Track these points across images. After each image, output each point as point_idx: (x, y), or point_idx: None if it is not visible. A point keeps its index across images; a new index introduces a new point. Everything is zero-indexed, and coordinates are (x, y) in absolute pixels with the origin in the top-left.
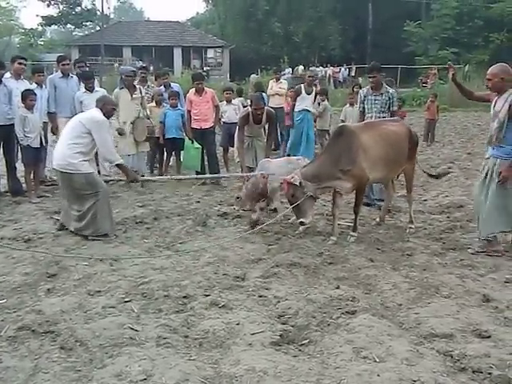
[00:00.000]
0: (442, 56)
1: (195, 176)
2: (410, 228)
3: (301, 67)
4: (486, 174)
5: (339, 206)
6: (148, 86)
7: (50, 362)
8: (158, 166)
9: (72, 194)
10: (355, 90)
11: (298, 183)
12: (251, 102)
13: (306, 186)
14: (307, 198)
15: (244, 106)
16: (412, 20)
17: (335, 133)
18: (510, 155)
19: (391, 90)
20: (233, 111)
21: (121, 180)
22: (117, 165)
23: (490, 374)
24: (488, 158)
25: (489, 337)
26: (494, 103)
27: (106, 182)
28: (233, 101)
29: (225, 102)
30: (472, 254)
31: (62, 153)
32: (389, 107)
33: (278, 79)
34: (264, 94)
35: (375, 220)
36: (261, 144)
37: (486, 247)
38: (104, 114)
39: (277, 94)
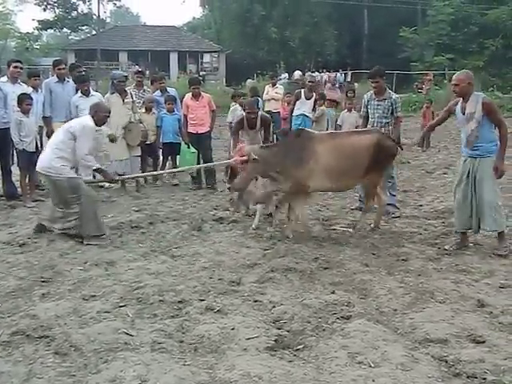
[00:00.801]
0: (438, 62)
1: (172, 170)
2: (347, 232)
3: (297, 72)
4: (468, 175)
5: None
6: (144, 91)
7: (44, 367)
8: (151, 170)
9: (56, 196)
10: (349, 95)
11: (254, 157)
12: (245, 106)
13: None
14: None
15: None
16: (407, 26)
17: (295, 134)
18: (489, 152)
19: (394, 96)
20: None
21: (100, 181)
22: (95, 169)
23: (484, 379)
24: (465, 160)
25: (483, 342)
26: (460, 108)
27: (87, 183)
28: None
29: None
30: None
31: (47, 156)
32: (392, 113)
33: (274, 84)
34: (259, 98)
35: (370, 225)
36: None
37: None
38: (96, 122)
39: (273, 98)
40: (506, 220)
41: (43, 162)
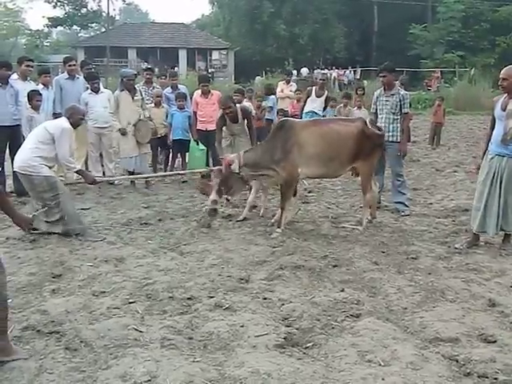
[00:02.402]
0: (448, 59)
1: (158, 174)
2: (357, 229)
3: (305, 69)
4: (494, 174)
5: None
6: (153, 88)
7: (54, 362)
8: (161, 167)
9: (35, 196)
10: (359, 92)
11: (236, 170)
12: (219, 103)
13: (242, 170)
14: (238, 180)
15: (263, 109)
16: (418, 23)
17: (277, 126)
18: None
19: (402, 92)
20: None
21: (80, 182)
22: (76, 171)
23: (495, 379)
24: (492, 158)
25: (494, 341)
26: (502, 103)
27: (68, 184)
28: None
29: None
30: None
31: (24, 156)
32: (400, 109)
33: (288, 82)
34: (273, 96)
35: (367, 219)
36: (242, 141)
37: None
38: (71, 124)
39: (287, 97)
40: None
41: (21, 162)
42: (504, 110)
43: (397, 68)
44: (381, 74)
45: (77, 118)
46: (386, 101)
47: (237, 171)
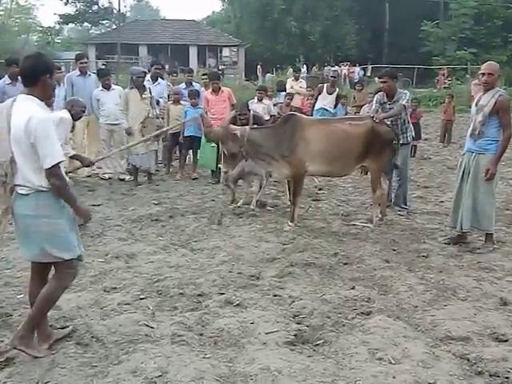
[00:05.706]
0: (460, 56)
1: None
2: (367, 227)
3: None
4: (464, 170)
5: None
6: (158, 83)
7: (66, 357)
8: (173, 163)
9: None
10: (357, 88)
11: (239, 141)
12: (237, 108)
13: (245, 145)
14: (235, 151)
15: (274, 105)
16: (429, 20)
17: (284, 118)
18: (485, 149)
19: (401, 93)
20: (262, 110)
21: (78, 168)
22: (70, 156)
23: (507, 378)
24: (464, 154)
25: (506, 340)
26: (477, 99)
27: (67, 173)
28: (264, 100)
29: (256, 100)
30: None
31: None
32: (405, 112)
33: (297, 78)
34: (284, 92)
35: (377, 217)
36: None
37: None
38: (72, 115)
39: (297, 93)
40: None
41: None
42: (476, 105)
43: (408, 65)
44: (381, 80)
45: (77, 110)
46: (390, 108)
47: (239, 142)
